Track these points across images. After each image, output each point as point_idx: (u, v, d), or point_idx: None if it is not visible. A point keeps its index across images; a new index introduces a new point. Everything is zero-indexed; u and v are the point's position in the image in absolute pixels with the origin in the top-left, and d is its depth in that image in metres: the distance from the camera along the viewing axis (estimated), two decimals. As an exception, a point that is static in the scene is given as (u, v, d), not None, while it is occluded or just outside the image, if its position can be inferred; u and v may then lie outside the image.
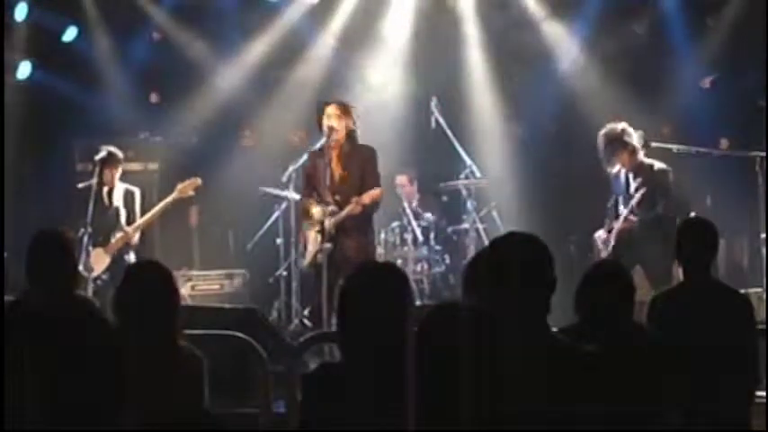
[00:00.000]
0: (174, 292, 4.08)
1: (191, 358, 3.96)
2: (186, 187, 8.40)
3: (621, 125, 7.99)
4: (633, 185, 7.94)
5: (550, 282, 3.12)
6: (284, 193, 8.92)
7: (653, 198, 7.80)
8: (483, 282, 3.14)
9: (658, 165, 7.98)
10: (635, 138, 7.92)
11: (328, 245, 7.42)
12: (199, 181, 8.48)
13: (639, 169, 7.93)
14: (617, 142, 7.87)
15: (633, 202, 7.80)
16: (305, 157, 8.12)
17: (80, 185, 8.38)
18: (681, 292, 4.86)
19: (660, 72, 10.17)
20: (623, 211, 7.99)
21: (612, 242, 8.01)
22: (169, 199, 8.39)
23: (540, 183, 10.23)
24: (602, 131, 8.03)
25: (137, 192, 8.48)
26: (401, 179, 10.20)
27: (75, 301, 4.43)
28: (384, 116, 10.07)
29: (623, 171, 8.00)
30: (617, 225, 7.99)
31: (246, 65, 10.22)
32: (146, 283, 4.01)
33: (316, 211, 7.58)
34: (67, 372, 3.68)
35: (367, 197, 7.46)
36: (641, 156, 7.94)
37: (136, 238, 8.36)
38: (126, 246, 8.31)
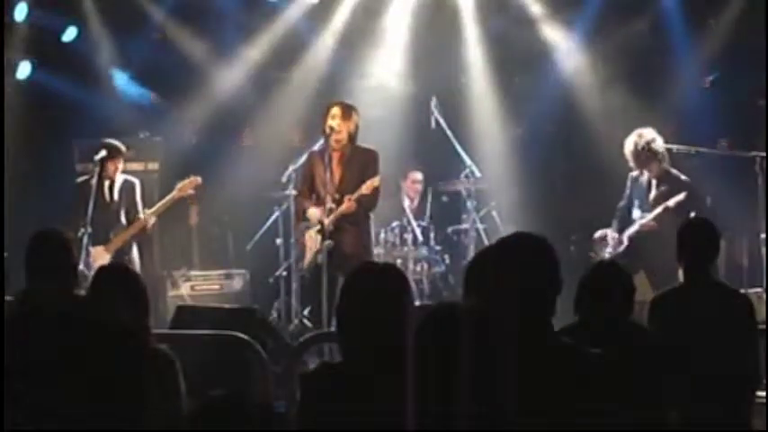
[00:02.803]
0: (143, 293, 4.08)
1: (162, 359, 3.97)
2: (186, 186, 8.40)
3: (652, 133, 7.97)
4: (654, 192, 7.92)
5: (556, 283, 3.11)
6: (285, 193, 8.92)
7: (678, 207, 7.77)
8: (487, 281, 3.14)
9: (684, 177, 7.96)
10: (662, 146, 7.91)
11: (329, 242, 7.41)
12: (199, 179, 8.47)
13: (664, 178, 7.92)
14: (649, 152, 7.85)
15: (671, 202, 7.74)
16: (305, 157, 8.11)
17: (79, 180, 8.38)
18: (681, 292, 4.86)
19: (660, 72, 10.17)
20: (639, 214, 7.98)
21: (626, 243, 8.00)
22: (168, 198, 8.38)
23: (539, 183, 10.23)
24: (632, 138, 7.99)
25: (137, 182, 8.47)
26: (415, 175, 10.21)
27: (75, 301, 4.43)
28: (385, 116, 10.08)
29: (646, 176, 7.99)
30: (636, 227, 7.97)
31: (246, 65, 10.22)
32: (112, 282, 4.02)
33: (312, 212, 7.59)
34: (68, 371, 3.68)
35: (364, 188, 7.44)
36: (667, 164, 7.94)
37: (152, 221, 8.32)
38: (142, 233, 8.30)
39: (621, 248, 8.01)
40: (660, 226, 7.80)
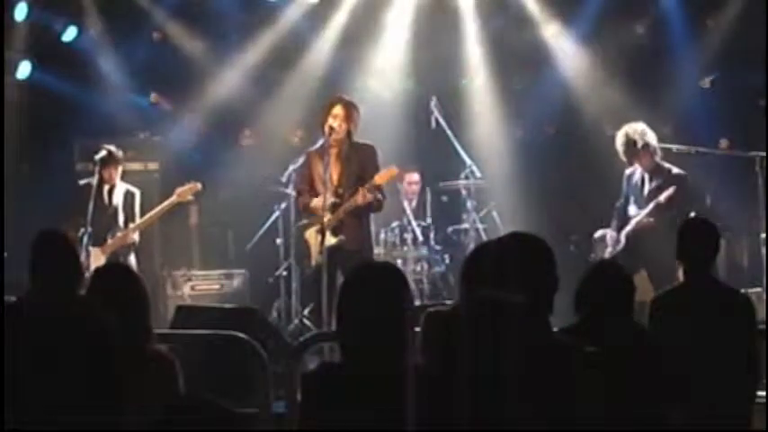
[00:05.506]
0: (142, 293, 4.08)
1: (162, 360, 3.97)
2: (185, 192, 8.41)
3: (642, 126, 7.98)
4: (648, 187, 7.92)
5: (553, 282, 3.11)
6: (286, 192, 8.92)
7: (670, 201, 7.78)
8: (485, 278, 3.14)
9: (676, 169, 7.96)
10: (654, 139, 7.91)
11: (334, 240, 7.37)
12: (199, 186, 8.47)
13: (657, 171, 7.91)
14: (639, 143, 7.85)
15: (661, 198, 7.74)
16: (303, 156, 8.09)
17: (81, 182, 8.39)
18: (681, 292, 4.86)
19: (660, 72, 10.17)
20: (635, 210, 7.97)
21: (623, 242, 8.00)
22: (167, 203, 8.39)
23: (539, 183, 10.23)
24: (624, 130, 8.01)
25: (137, 193, 8.47)
26: (412, 177, 10.21)
27: (77, 301, 4.43)
28: (384, 116, 10.08)
29: (639, 172, 7.98)
30: (631, 225, 7.97)
31: (246, 64, 10.22)
32: (112, 283, 4.02)
33: (315, 202, 7.54)
34: (68, 372, 3.68)
35: (378, 178, 7.40)
36: (659, 158, 7.94)
37: (135, 237, 8.35)
38: (124, 246, 8.30)
39: (620, 247, 8.00)
40: (656, 222, 7.81)
